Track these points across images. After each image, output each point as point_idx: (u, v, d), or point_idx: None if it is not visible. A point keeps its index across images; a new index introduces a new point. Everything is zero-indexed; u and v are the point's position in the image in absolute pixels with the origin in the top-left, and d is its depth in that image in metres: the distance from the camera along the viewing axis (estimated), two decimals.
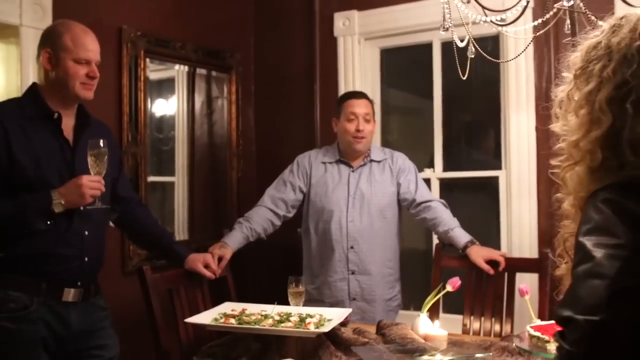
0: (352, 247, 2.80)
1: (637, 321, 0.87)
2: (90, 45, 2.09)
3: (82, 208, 2.04)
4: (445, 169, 3.41)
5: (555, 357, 0.94)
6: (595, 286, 0.88)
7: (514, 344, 2.02)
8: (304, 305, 2.35)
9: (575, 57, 1.06)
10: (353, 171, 2.89)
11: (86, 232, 2.10)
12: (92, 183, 2.00)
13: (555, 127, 1.09)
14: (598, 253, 0.90)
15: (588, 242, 0.91)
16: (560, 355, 0.91)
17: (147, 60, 3.19)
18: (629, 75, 0.96)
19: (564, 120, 1.07)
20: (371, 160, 2.90)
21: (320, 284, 2.84)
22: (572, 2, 1.82)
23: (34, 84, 2.15)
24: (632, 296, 0.87)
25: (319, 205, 2.87)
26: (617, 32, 1.01)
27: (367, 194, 2.83)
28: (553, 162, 1.09)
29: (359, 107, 2.87)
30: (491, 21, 2.12)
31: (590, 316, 0.87)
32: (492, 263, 2.57)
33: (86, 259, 2.10)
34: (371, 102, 2.96)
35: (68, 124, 2.13)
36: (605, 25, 1.05)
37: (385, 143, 3.54)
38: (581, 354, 0.88)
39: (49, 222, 1.98)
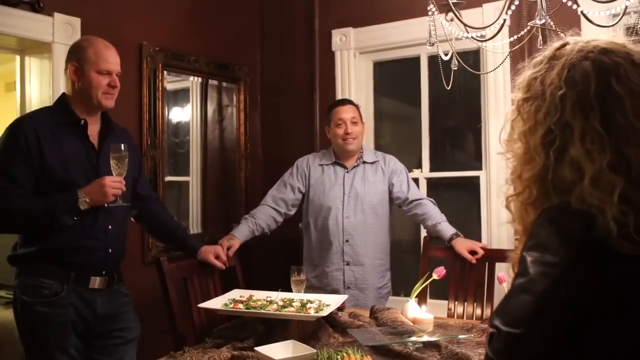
0: (347, 241, 2.79)
1: (556, 337, 0.83)
2: (110, 58, 2.09)
3: (105, 205, 2.05)
4: (432, 170, 3.41)
5: None
6: (524, 301, 0.85)
7: None
8: (305, 292, 2.35)
9: (520, 84, 1.00)
10: (348, 172, 2.87)
11: (110, 227, 2.11)
12: (114, 183, 2.01)
13: (504, 154, 1.05)
14: (532, 270, 0.86)
15: (529, 257, 0.88)
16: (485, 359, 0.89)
17: (165, 72, 3.20)
18: (553, 124, 0.92)
19: (509, 148, 1.02)
20: (364, 162, 2.88)
21: (319, 273, 2.83)
22: (543, 21, 1.83)
23: (63, 94, 2.15)
24: (555, 314, 0.84)
25: (318, 203, 2.85)
26: (551, 70, 0.95)
27: (361, 192, 2.82)
28: (504, 193, 1.04)
29: (345, 112, 2.84)
30: (472, 37, 2.13)
31: (512, 329, 0.84)
32: (474, 253, 2.56)
33: (110, 250, 2.11)
34: (356, 106, 2.93)
35: (93, 129, 2.13)
36: (547, 51, 0.98)
37: (378, 146, 3.54)
38: None
39: (75, 218, 1.99)
